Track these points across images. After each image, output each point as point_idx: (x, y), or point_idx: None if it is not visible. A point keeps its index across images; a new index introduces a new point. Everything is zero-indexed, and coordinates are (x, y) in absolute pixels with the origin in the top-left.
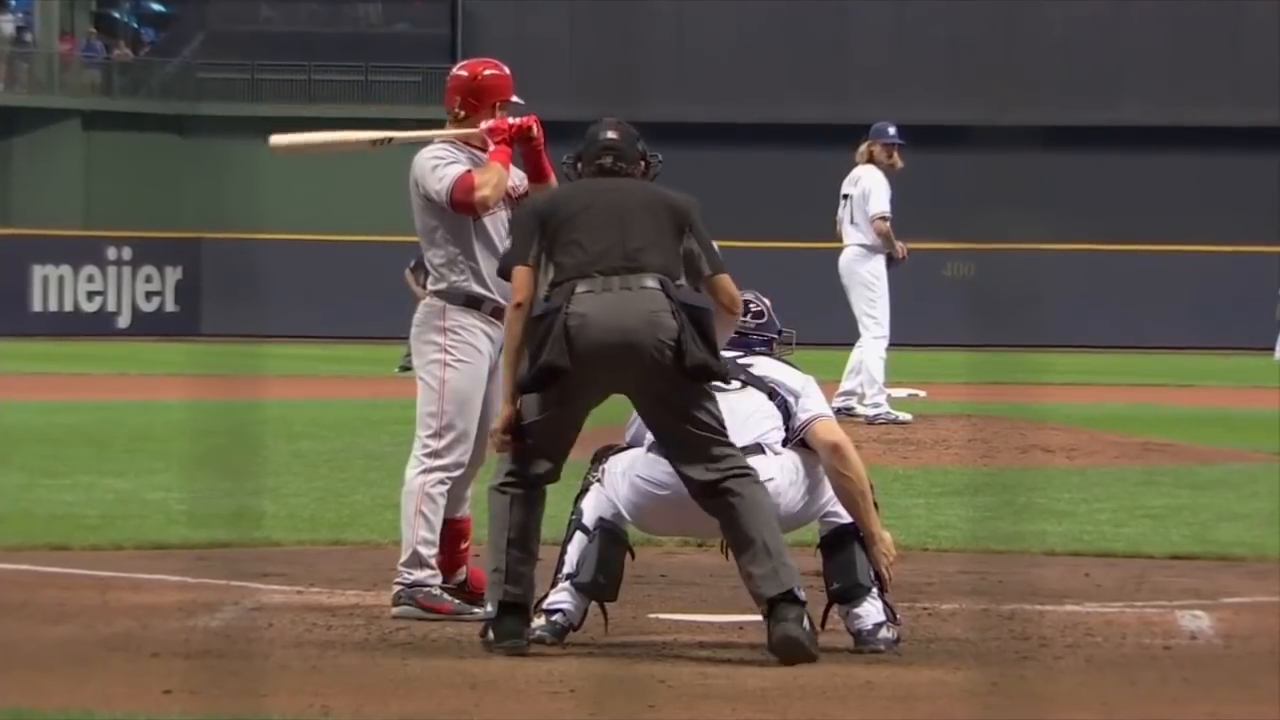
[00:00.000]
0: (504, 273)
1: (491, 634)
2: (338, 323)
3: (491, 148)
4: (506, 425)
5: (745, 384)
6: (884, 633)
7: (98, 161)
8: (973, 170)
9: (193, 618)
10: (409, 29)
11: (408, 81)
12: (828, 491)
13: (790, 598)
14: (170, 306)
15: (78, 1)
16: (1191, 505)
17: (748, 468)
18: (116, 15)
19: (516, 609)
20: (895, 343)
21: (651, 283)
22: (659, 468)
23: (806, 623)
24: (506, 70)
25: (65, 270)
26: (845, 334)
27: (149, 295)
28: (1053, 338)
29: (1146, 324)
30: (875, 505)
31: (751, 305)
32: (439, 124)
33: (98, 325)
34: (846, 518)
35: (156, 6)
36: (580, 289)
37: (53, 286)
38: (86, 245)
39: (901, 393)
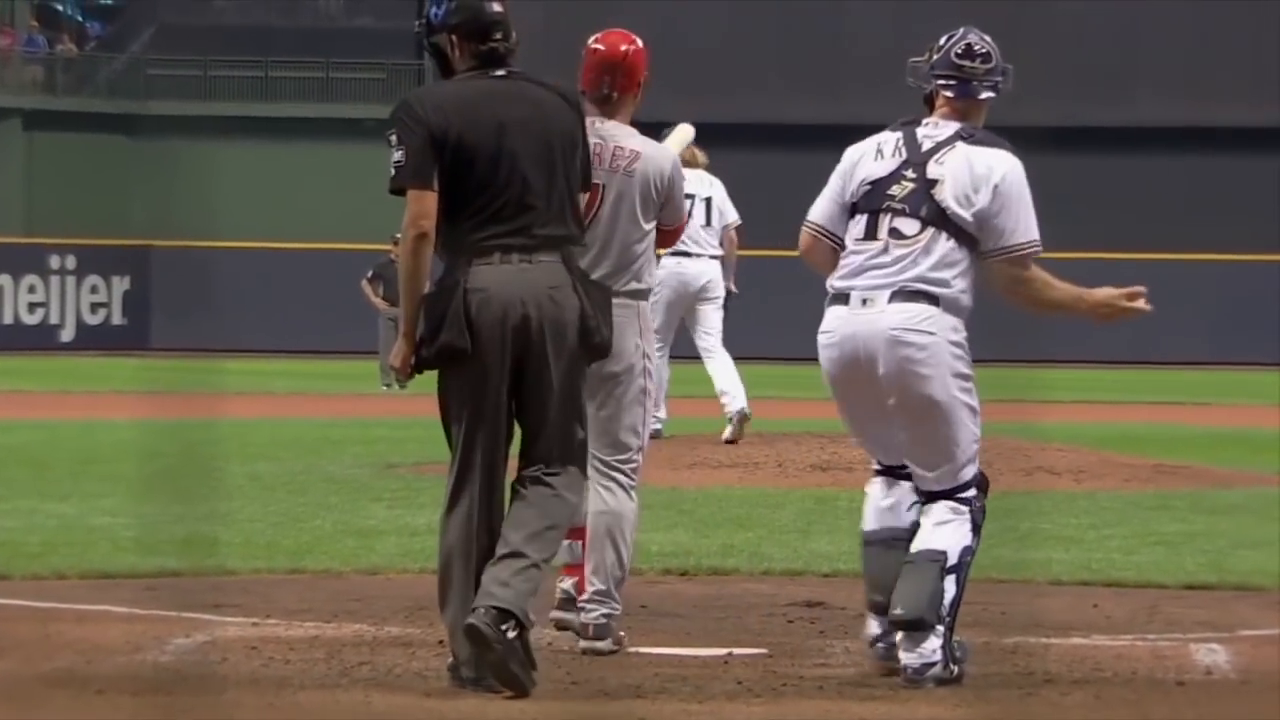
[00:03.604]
0: (397, 192)
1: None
2: (297, 336)
3: None
4: (404, 363)
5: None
6: (936, 671)
7: (40, 164)
8: None
9: (141, 652)
10: (372, 23)
11: (371, 79)
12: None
13: (493, 621)
14: (117, 319)
15: None
16: (1207, 531)
17: (579, 472)
18: (60, 7)
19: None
20: None
21: (548, 257)
22: None
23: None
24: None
25: (4, 280)
26: None
27: (94, 307)
28: (1060, 352)
29: (1161, 337)
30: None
31: (975, 47)
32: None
33: (39, 339)
34: (941, 544)
35: None
36: (476, 263)
37: None
38: (27, 253)
39: None
